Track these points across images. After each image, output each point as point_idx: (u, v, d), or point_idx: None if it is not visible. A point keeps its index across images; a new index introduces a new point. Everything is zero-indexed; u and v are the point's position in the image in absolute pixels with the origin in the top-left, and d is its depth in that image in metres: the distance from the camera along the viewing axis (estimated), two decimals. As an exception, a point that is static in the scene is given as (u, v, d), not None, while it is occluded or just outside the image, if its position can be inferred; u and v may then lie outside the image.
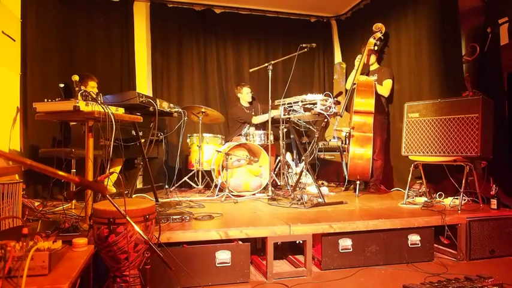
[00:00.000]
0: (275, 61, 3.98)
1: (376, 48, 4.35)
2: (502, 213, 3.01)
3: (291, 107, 3.74)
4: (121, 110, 2.69)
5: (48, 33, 4.12)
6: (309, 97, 3.56)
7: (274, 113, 4.04)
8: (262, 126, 4.81)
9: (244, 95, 4.98)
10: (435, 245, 2.89)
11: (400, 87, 4.35)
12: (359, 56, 4.46)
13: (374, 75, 4.33)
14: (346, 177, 4.21)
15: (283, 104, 3.83)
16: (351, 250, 2.63)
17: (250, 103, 5.07)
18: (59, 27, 4.40)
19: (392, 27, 4.53)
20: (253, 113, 4.97)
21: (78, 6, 4.70)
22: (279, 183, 4.51)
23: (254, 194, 4.00)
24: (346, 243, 2.62)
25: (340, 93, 5.45)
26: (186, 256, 2.29)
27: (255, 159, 4.14)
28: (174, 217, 2.57)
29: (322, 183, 4.75)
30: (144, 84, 5.12)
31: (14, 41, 3.45)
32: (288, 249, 2.85)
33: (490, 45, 3.46)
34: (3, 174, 2.42)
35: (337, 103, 3.61)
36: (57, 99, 2.44)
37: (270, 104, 3.84)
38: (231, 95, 5.45)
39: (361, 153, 3.97)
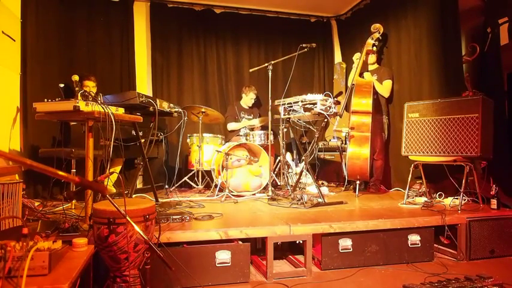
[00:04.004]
0: (275, 61, 3.99)
1: (374, 48, 4.35)
2: (502, 213, 3.01)
3: (291, 107, 3.74)
4: (121, 110, 2.69)
5: (48, 33, 4.12)
6: (309, 97, 3.56)
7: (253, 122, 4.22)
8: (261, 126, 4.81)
9: (248, 98, 4.99)
10: (435, 245, 2.89)
11: (400, 87, 4.35)
12: (357, 54, 4.47)
13: (374, 76, 4.33)
14: (346, 177, 4.21)
15: (283, 104, 3.83)
16: (351, 250, 2.63)
17: (250, 107, 5.07)
18: (59, 27, 4.40)
19: (392, 27, 4.54)
20: (250, 117, 4.98)
21: (78, 6, 4.69)
22: (279, 183, 4.51)
23: (254, 194, 4.00)
24: (346, 243, 2.62)
25: (340, 93, 5.45)
26: (186, 256, 2.29)
27: (255, 159, 4.14)
28: (174, 217, 2.57)
29: (322, 183, 4.75)
30: (144, 84, 5.12)
31: (14, 41, 3.45)
32: (288, 249, 2.85)
33: (490, 45, 3.46)
34: (3, 174, 2.42)
35: (337, 103, 3.61)
36: (57, 99, 2.44)
37: (270, 104, 3.84)
38: (231, 95, 5.46)
39: (358, 153, 3.97)
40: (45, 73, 3.98)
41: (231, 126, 4.90)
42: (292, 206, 3.28)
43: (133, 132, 3.51)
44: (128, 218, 1.68)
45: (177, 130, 3.81)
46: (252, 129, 4.54)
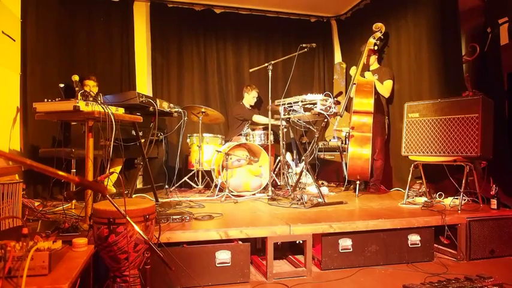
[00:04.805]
0: (275, 61, 3.98)
1: (376, 48, 4.35)
2: (502, 213, 3.00)
3: (291, 107, 3.74)
4: (121, 110, 2.69)
5: (48, 33, 4.12)
6: (309, 97, 3.56)
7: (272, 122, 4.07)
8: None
9: (250, 97, 4.98)
10: (435, 245, 2.90)
11: (400, 87, 4.35)
12: (353, 69, 4.49)
13: (375, 75, 4.33)
14: (346, 177, 4.21)
15: (283, 104, 3.83)
16: (351, 250, 2.63)
17: (252, 106, 5.07)
18: (59, 27, 4.40)
19: (392, 27, 4.53)
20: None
21: (78, 6, 4.70)
22: (279, 183, 4.51)
23: (254, 194, 4.00)
24: (346, 243, 2.62)
25: (340, 93, 5.46)
26: (186, 256, 2.29)
27: (255, 159, 4.14)
28: (174, 217, 2.57)
29: (322, 183, 4.75)
30: (144, 84, 5.12)
31: (14, 41, 3.45)
32: (288, 249, 2.85)
33: (490, 45, 3.45)
34: (3, 174, 2.42)
35: (337, 103, 3.61)
36: (57, 99, 2.44)
37: (270, 104, 3.85)
38: (231, 94, 5.46)
39: (360, 153, 3.97)
40: (45, 73, 3.98)
41: (258, 118, 4.83)
42: (292, 206, 3.28)
43: (134, 132, 3.51)
44: (128, 218, 1.67)
45: (177, 130, 3.81)
46: (253, 129, 4.54)
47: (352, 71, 4.44)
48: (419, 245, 2.76)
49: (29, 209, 2.69)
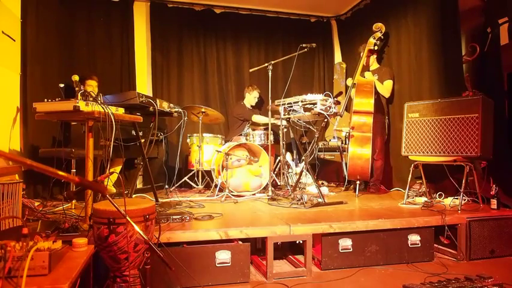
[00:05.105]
0: (275, 61, 3.98)
1: (376, 48, 4.35)
2: (502, 213, 3.01)
3: (291, 107, 3.74)
4: (121, 110, 2.69)
5: (48, 33, 4.12)
6: (309, 97, 3.56)
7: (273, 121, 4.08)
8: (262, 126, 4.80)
9: (251, 97, 4.98)
10: (435, 245, 2.89)
11: (400, 87, 4.35)
12: (349, 80, 4.48)
13: (375, 75, 4.33)
14: (346, 177, 4.21)
15: (283, 104, 3.83)
16: (351, 250, 2.63)
17: (252, 107, 5.07)
18: (59, 27, 4.40)
19: (392, 27, 4.54)
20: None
21: (78, 6, 4.71)
22: (279, 183, 4.51)
23: (254, 194, 4.00)
24: (346, 243, 2.62)
25: (340, 93, 5.46)
26: (186, 256, 2.29)
27: (255, 159, 4.14)
28: (174, 217, 2.57)
29: (322, 183, 4.75)
30: (144, 84, 5.12)
31: (14, 41, 3.45)
32: (288, 249, 2.85)
33: (490, 45, 3.46)
34: (3, 174, 2.42)
35: (337, 103, 3.61)
36: (57, 99, 2.44)
37: (269, 104, 3.85)
38: (231, 94, 5.46)
39: (360, 153, 3.97)
40: (45, 73, 3.98)
41: (258, 118, 4.85)
42: (292, 206, 3.28)
43: (134, 132, 3.51)
44: (128, 218, 1.67)
45: (177, 130, 3.81)
46: (253, 129, 4.54)
47: (349, 81, 4.43)
48: (419, 245, 2.76)
49: (29, 209, 2.69)
